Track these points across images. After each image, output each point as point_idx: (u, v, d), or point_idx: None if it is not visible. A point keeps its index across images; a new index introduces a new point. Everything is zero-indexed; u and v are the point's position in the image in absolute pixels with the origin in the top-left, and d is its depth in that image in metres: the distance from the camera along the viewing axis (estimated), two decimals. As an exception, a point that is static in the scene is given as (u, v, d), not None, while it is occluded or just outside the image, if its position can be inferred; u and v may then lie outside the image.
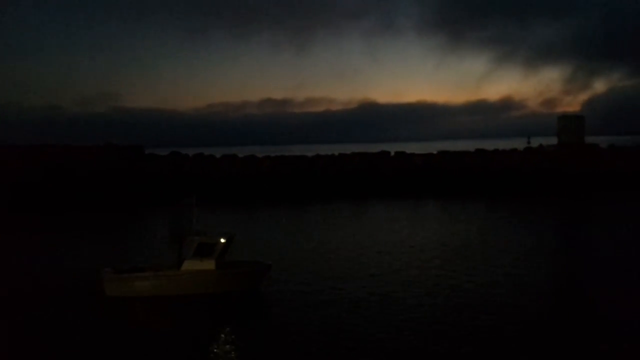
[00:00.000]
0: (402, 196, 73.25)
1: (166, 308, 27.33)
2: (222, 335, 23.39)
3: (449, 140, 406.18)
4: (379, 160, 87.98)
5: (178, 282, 28.89)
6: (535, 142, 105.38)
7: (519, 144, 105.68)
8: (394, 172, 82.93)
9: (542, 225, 50.71)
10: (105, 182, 74.59)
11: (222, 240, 29.38)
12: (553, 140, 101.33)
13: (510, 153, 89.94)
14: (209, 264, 28.90)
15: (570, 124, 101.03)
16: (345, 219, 56.04)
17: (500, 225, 50.01)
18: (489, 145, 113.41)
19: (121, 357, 21.34)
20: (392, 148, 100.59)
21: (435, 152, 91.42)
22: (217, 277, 29.11)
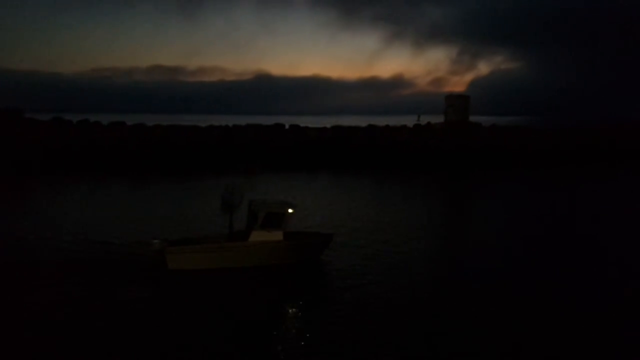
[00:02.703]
0: (296, 169, 73.50)
1: (230, 280, 26.21)
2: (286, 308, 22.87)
3: (342, 115, 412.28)
4: (274, 133, 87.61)
5: (245, 254, 27.76)
6: (424, 120, 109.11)
7: (409, 121, 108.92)
8: (288, 145, 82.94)
9: (423, 201, 52.79)
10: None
11: (290, 210, 28.55)
12: (440, 118, 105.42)
13: (400, 129, 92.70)
14: (277, 235, 27.97)
15: (456, 103, 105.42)
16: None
17: (387, 199, 51.51)
18: (380, 121, 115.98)
19: (186, 331, 20.36)
20: (287, 121, 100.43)
21: (329, 127, 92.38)
22: (284, 248, 28.23)
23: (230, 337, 20.07)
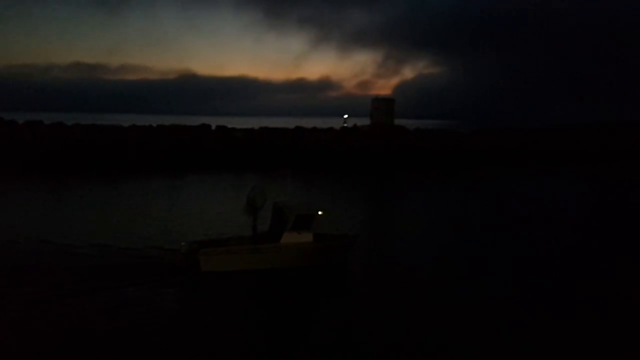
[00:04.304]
0: (223, 170, 72.56)
1: (261, 282, 26.31)
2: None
3: (269, 117, 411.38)
4: (200, 133, 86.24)
5: (276, 256, 27.78)
6: (351, 122, 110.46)
7: (337, 123, 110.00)
8: (214, 146, 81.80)
9: (350, 202, 53.35)
10: None
11: (320, 213, 28.62)
12: (367, 121, 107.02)
13: (328, 131, 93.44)
14: (307, 237, 28.09)
15: (382, 106, 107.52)
16: (161, 192, 54.16)
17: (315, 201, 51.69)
18: (308, 123, 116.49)
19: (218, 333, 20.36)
20: (213, 122, 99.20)
21: (256, 128, 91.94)
22: (314, 250, 28.27)
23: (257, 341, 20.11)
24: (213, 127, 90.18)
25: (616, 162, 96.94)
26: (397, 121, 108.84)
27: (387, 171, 77.65)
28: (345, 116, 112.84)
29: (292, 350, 19.38)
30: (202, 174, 69.06)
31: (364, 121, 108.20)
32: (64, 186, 57.34)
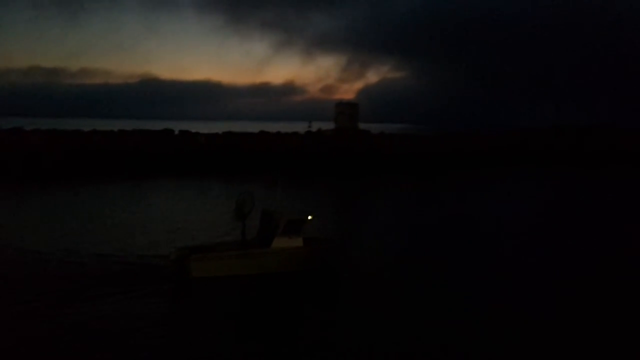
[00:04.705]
0: (186, 175, 71.84)
1: (252, 287, 26.37)
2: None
3: (233, 121, 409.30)
4: (162, 138, 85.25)
5: (268, 260, 27.82)
6: (315, 126, 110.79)
7: (301, 127, 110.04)
8: (177, 151, 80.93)
9: (316, 206, 53.41)
10: None
11: (310, 217, 28.94)
12: (331, 125, 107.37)
13: (292, 136, 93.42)
14: (297, 241, 28.23)
15: (346, 110, 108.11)
16: (122, 198, 53.41)
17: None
18: (272, 127, 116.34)
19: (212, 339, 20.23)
20: (176, 126, 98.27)
21: (220, 133, 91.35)
22: (304, 255, 28.47)
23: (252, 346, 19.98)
24: (176, 132, 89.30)
25: (578, 163, 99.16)
26: (361, 125, 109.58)
27: (351, 175, 77.93)
28: (310, 120, 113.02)
29: (285, 355, 19.40)
30: (165, 179, 68.26)
31: (328, 125, 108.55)
32: (24, 193, 55.99)
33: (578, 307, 24.35)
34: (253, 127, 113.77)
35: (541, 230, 42.25)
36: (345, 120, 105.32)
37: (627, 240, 38.97)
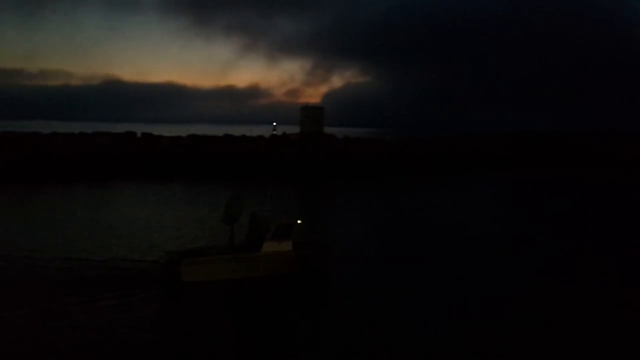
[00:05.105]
0: (149, 179, 70.69)
1: (242, 291, 26.50)
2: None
3: (198, 124, 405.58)
4: (125, 141, 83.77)
5: (257, 265, 27.91)
6: (280, 130, 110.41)
7: (266, 130, 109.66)
8: (140, 154, 79.58)
9: (282, 209, 53.15)
10: None
11: (299, 222, 29.23)
12: (296, 129, 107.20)
13: (257, 140, 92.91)
14: (287, 245, 28.44)
15: (311, 114, 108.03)
16: (83, 202, 52.30)
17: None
18: (237, 130, 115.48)
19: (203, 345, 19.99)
20: (139, 129, 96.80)
21: (184, 135, 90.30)
22: (294, 259, 28.65)
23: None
24: (139, 135, 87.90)
25: (538, 167, 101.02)
26: (326, 129, 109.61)
27: (316, 179, 77.83)
28: (275, 124, 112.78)
29: (275, 358, 19.62)
30: (128, 183, 67.06)
31: (294, 129, 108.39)
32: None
33: (535, 302, 25.14)
34: (217, 131, 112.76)
35: (508, 232, 42.95)
36: (311, 124, 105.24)
37: (586, 242, 40.03)
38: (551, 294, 27.34)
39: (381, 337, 21.24)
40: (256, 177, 75.81)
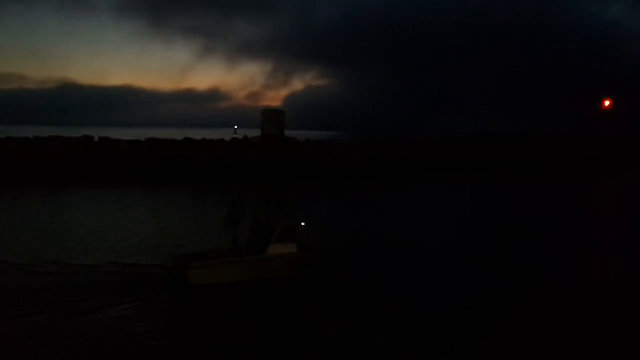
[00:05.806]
0: (106, 184, 69.33)
1: (249, 294, 26.75)
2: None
3: (157, 128, 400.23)
4: (81, 145, 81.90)
5: (264, 267, 28.29)
6: (241, 134, 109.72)
7: (227, 134, 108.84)
8: (98, 159, 77.95)
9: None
10: None
11: (303, 224, 29.60)
12: (257, 132, 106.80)
13: (218, 143, 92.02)
14: (292, 247, 28.90)
15: (272, 117, 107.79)
16: (36, 207, 51.05)
17: (205, 214, 50.75)
18: (197, 134, 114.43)
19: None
20: (96, 133, 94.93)
21: (143, 140, 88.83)
22: (299, 260, 29.17)
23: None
24: (96, 139, 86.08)
25: (501, 170, 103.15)
26: (287, 132, 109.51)
27: (279, 182, 77.57)
28: (236, 127, 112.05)
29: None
30: (85, 188, 65.62)
31: (255, 132, 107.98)
32: None
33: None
34: (177, 134, 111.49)
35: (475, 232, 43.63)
36: (272, 128, 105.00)
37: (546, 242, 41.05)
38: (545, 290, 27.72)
39: (383, 337, 21.69)
40: (255, 181, 75.38)
